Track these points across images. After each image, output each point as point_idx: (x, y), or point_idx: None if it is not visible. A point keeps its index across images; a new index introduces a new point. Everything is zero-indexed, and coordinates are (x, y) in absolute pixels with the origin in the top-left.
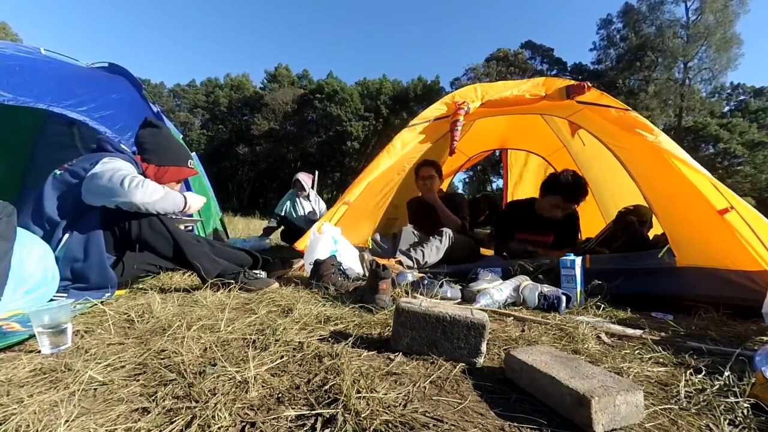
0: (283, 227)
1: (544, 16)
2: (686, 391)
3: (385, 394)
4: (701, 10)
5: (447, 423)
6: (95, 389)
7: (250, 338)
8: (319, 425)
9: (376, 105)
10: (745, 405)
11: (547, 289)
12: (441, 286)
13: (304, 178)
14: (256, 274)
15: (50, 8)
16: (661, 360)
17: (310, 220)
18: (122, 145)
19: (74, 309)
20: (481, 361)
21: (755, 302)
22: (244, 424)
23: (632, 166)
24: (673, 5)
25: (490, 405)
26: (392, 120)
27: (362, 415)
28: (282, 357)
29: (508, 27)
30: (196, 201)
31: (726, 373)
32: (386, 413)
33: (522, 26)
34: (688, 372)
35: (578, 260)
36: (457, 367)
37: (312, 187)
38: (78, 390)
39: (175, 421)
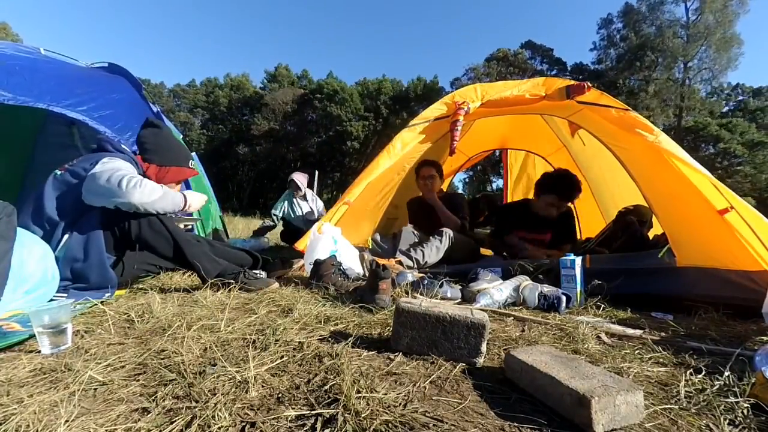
0: (282, 228)
1: (544, 16)
2: (686, 391)
3: (385, 394)
4: (701, 10)
5: (447, 423)
6: (95, 389)
7: (250, 338)
8: (319, 425)
9: (376, 105)
10: (745, 405)
11: (547, 289)
12: (441, 286)
13: (299, 178)
14: (256, 274)
15: (50, 8)
16: (661, 360)
17: (308, 220)
18: (122, 145)
19: (74, 309)
20: (481, 361)
21: (755, 302)
22: (244, 424)
23: (632, 166)
24: (673, 5)
25: (490, 405)
26: (392, 120)
27: (362, 415)
28: (282, 357)
29: (508, 27)
30: (196, 199)
31: (726, 373)
32: (386, 413)
33: (522, 26)
34: (688, 372)
35: (578, 260)
36: (457, 367)
37: (310, 187)
38: (78, 390)
39: (175, 421)
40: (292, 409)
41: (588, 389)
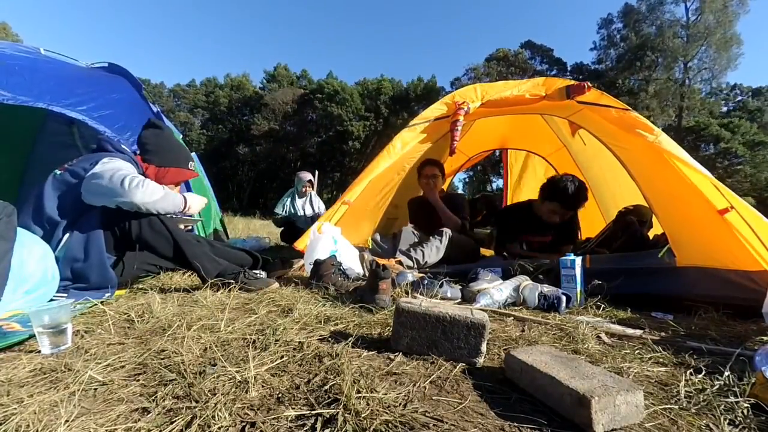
0: (283, 228)
1: (544, 16)
2: (686, 391)
3: (385, 394)
4: (701, 10)
5: (447, 423)
6: (95, 389)
7: (250, 338)
8: (319, 425)
9: (376, 105)
10: (745, 405)
11: (547, 289)
12: (441, 286)
13: (308, 177)
14: (256, 274)
15: (50, 8)
16: (661, 360)
17: (310, 218)
18: (122, 145)
19: (74, 309)
20: (481, 361)
21: (755, 302)
22: (244, 424)
23: (632, 166)
24: (673, 5)
25: (490, 405)
26: (392, 120)
27: (362, 415)
28: (282, 357)
29: (508, 27)
30: (196, 202)
31: (726, 373)
32: (386, 413)
33: (522, 26)
34: (688, 372)
35: (578, 260)
36: (457, 367)
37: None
38: (78, 390)
39: (175, 421)
40: (292, 409)
41: (588, 389)
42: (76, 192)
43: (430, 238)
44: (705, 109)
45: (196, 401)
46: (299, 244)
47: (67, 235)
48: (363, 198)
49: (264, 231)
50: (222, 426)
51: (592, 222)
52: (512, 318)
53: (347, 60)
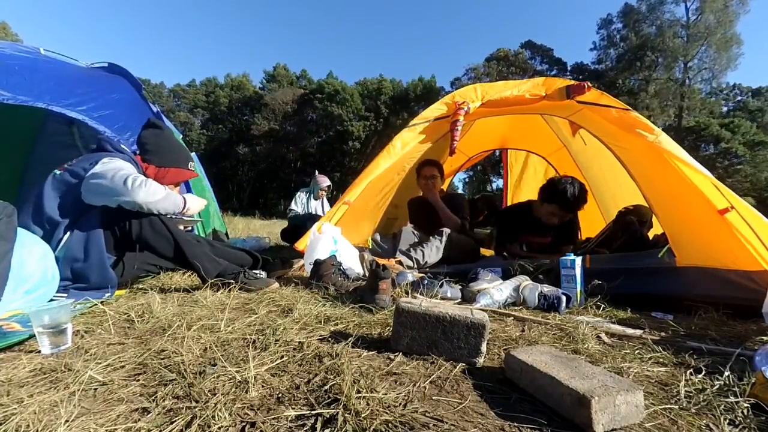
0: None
1: (544, 16)
2: (686, 391)
3: (385, 394)
4: (701, 10)
5: (447, 423)
6: (95, 389)
7: (250, 338)
8: (319, 425)
9: (376, 105)
10: (745, 405)
11: (547, 289)
12: (441, 286)
13: (326, 183)
14: (256, 274)
15: (50, 8)
16: (661, 360)
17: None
18: (122, 145)
19: (74, 309)
20: (481, 361)
21: (755, 302)
22: (244, 424)
23: (632, 166)
24: (673, 5)
25: (490, 405)
26: (392, 120)
27: (362, 415)
28: (282, 357)
29: (508, 27)
30: (195, 203)
31: (726, 373)
32: (386, 413)
33: (522, 26)
34: (688, 372)
35: (578, 260)
36: (457, 367)
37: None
38: (78, 390)
39: (175, 421)
40: (292, 409)
41: (588, 389)
42: (76, 192)
43: (430, 238)
44: (705, 109)
45: (196, 401)
46: (299, 245)
47: (67, 235)
48: (363, 198)
49: (264, 231)
50: (222, 426)
51: (592, 222)
52: (512, 318)
53: (347, 60)
